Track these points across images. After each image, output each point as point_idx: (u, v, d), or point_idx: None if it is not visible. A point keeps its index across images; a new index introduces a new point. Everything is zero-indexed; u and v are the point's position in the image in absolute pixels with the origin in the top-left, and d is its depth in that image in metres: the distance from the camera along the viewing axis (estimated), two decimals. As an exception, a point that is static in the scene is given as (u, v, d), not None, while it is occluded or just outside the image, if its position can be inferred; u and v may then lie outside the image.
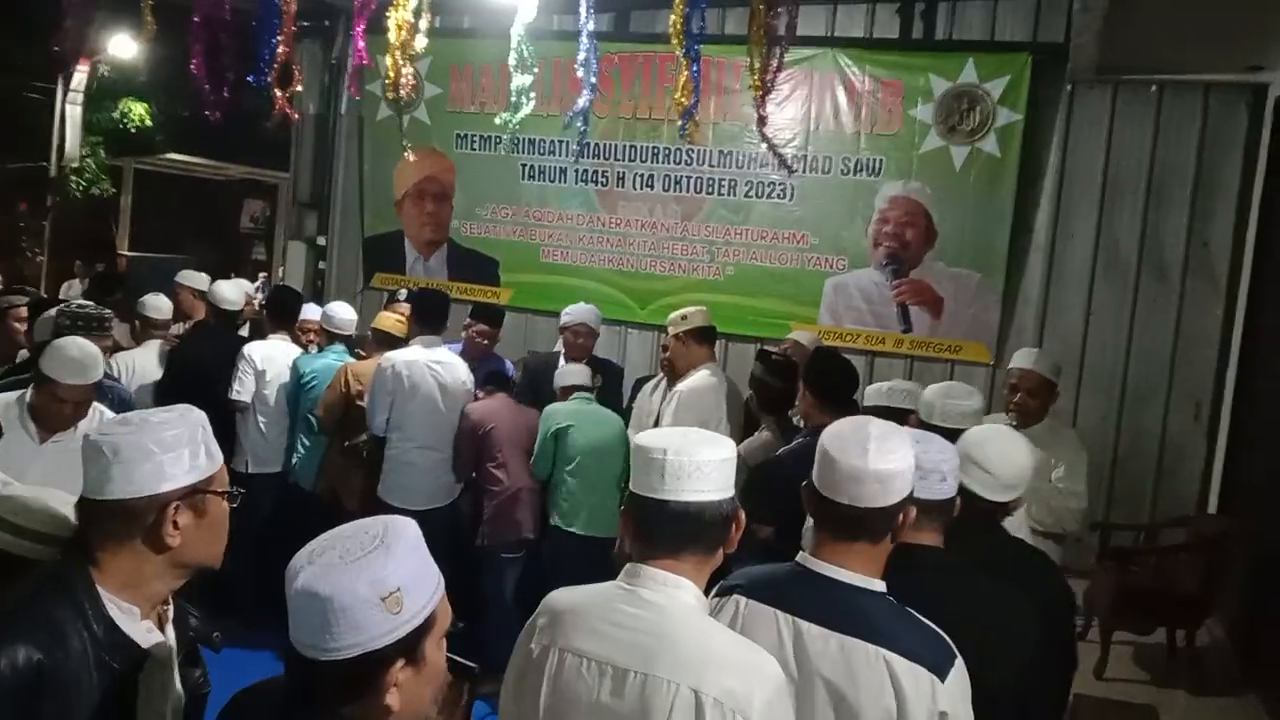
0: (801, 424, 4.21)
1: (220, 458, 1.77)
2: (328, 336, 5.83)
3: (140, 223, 12.69)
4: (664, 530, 1.84)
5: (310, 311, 6.06)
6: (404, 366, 5.03)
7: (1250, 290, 6.21)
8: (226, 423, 5.48)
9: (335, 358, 5.62)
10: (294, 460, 5.58)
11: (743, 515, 1.91)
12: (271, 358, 5.62)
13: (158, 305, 6.05)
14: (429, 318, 5.27)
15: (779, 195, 7.19)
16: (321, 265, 8.76)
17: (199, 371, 5.47)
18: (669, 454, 1.83)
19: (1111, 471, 6.54)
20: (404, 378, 5.01)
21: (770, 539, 3.70)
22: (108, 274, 9.81)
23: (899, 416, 3.75)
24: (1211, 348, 6.43)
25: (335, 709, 1.43)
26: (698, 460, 1.83)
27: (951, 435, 2.57)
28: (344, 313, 5.87)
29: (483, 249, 8.05)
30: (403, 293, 6.35)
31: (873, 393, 4.21)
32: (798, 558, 2.07)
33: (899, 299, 6.95)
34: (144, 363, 5.63)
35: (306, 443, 5.56)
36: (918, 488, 2.07)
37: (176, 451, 1.68)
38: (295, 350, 5.73)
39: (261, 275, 8.54)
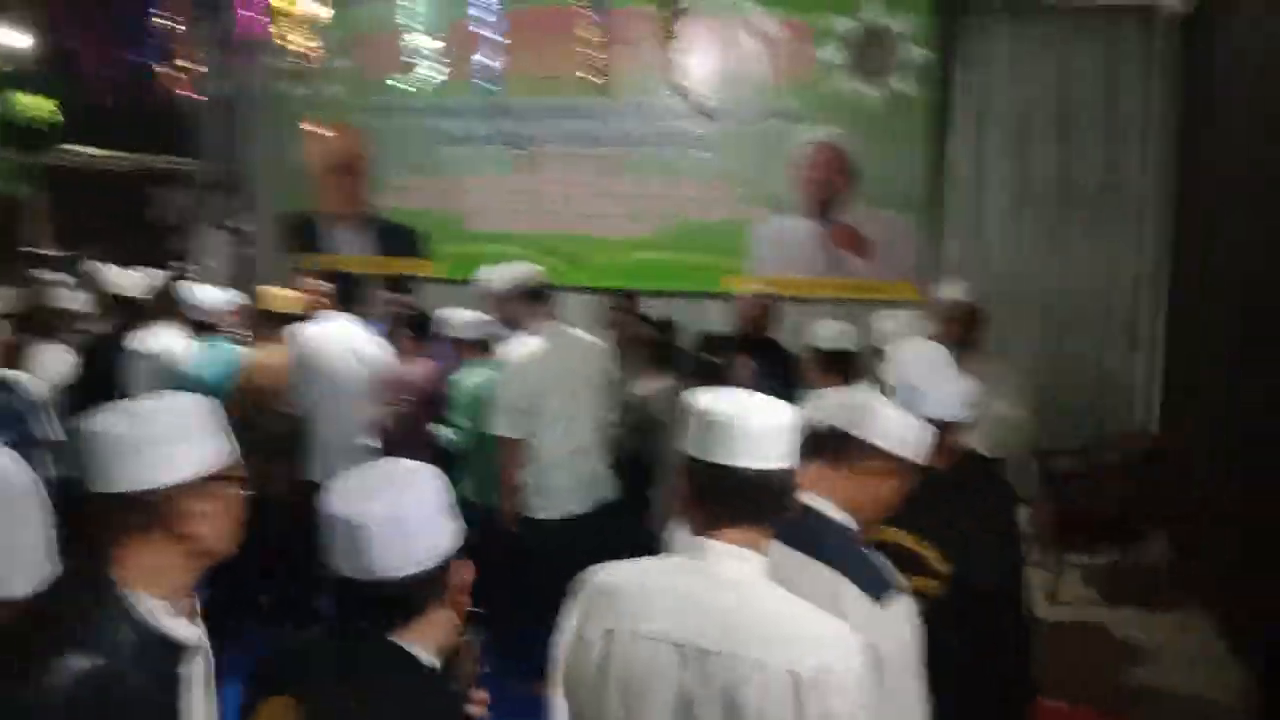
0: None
1: (232, 445, 1.71)
2: (196, 326, 5.18)
3: (51, 222, 12.20)
4: (726, 498, 1.74)
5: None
6: (310, 342, 4.90)
7: (1175, 213, 6.28)
8: None
9: (219, 351, 5.09)
10: None
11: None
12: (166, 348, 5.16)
13: (68, 296, 5.70)
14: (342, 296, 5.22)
15: (697, 146, 7.11)
16: (247, 251, 8.48)
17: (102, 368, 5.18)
18: (735, 419, 1.72)
19: (1048, 401, 6.59)
20: (315, 353, 4.88)
21: None
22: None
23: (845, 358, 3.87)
24: (1140, 271, 6.50)
25: (382, 630, 1.60)
26: (764, 425, 1.73)
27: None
28: (211, 297, 5.26)
29: (406, 221, 7.87)
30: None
31: (822, 335, 4.18)
32: None
33: (825, 244, 6.93)
34: (54, 362, 5.31)
35: None
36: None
37: (185, 440, 1.62)
38: (183, 339, 5.22)
39: (174, 264, 8.26)
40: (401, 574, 1.57)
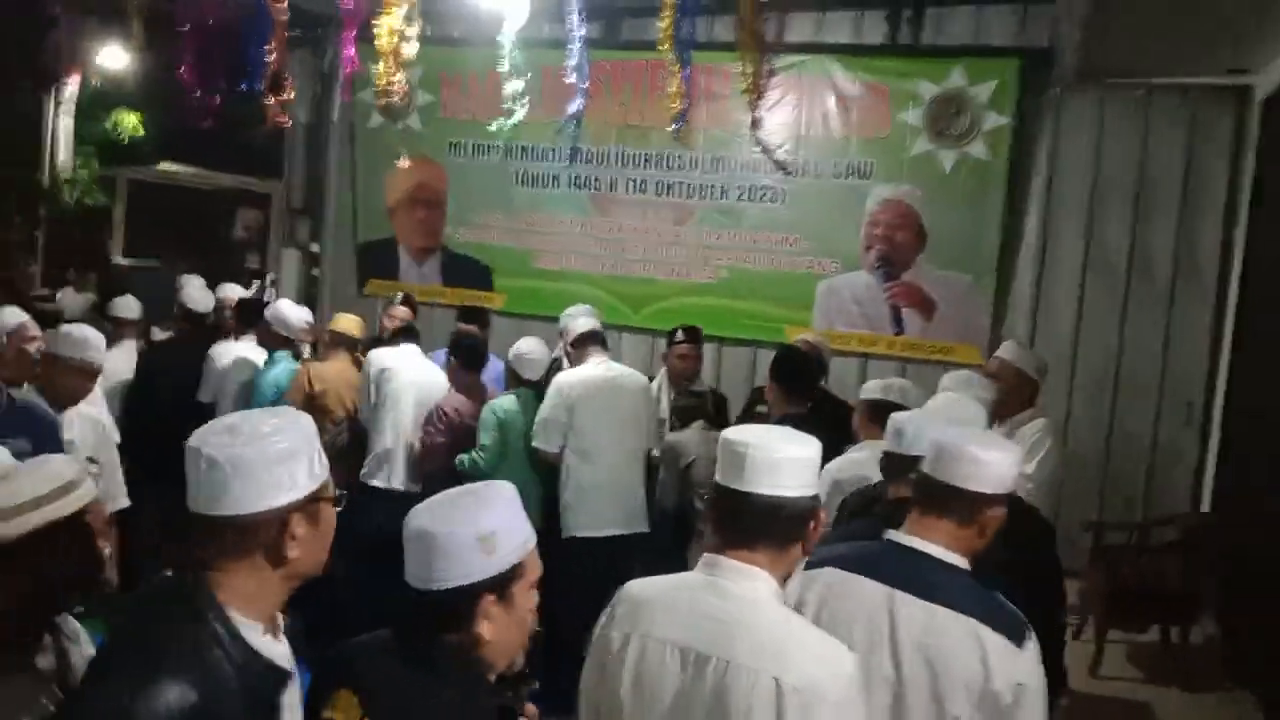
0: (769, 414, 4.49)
1: (326, 467, 1.70)
2: (276, 340, 5.66)
3: (134, 233, 12.69)
4: (742, 521, 1.91)
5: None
6: (391, 361, 5.21)
7: (1240, 291, 6.25)
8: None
9: (285, 365, 5.53)
10: None
11: (822, 514, 1.98)
12: (240, 360, 5.70)
13: (127, 305, 6.12)
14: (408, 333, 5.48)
15: (770, 199, 7.22)
16: (315, 272, 8.78)
17: (168, 374, 5.62)
18: (751, 448, 1.90)
19: (1103, 472, 6.58)
20: (389, 369, 5.17)
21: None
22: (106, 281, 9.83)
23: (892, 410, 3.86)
24: (1202, 348, 6.46)
25: (438, 634, 1.68)
26: (778, 456, 1.90)
27: None
28: (293, 314, 5.71)
29: (476, 255, 8.08)
30: (399, 295, 6.35)
31: (870, 387, 4.23)
32: (886, 534, 2.22)
33: (891, 301, 6.99)
34: (115, 364, 5.61)
35: None
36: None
37: (295, 461, 1.59)
38: (260, 352, 5.71)
39: (255, 282, 8.59)
40: (434, 588, 1.68)
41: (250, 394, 5.49)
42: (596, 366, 4.87)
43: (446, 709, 1.67)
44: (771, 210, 7.23)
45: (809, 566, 2.19)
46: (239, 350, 5.77)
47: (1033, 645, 2.08)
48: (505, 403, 4.96)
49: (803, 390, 4.28)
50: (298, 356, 5.72)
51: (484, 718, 1.74)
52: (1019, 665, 2.05)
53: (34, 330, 4.32)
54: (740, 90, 5.53)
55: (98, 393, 4.27)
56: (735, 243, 7.35)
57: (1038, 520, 3.04)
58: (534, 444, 4.77)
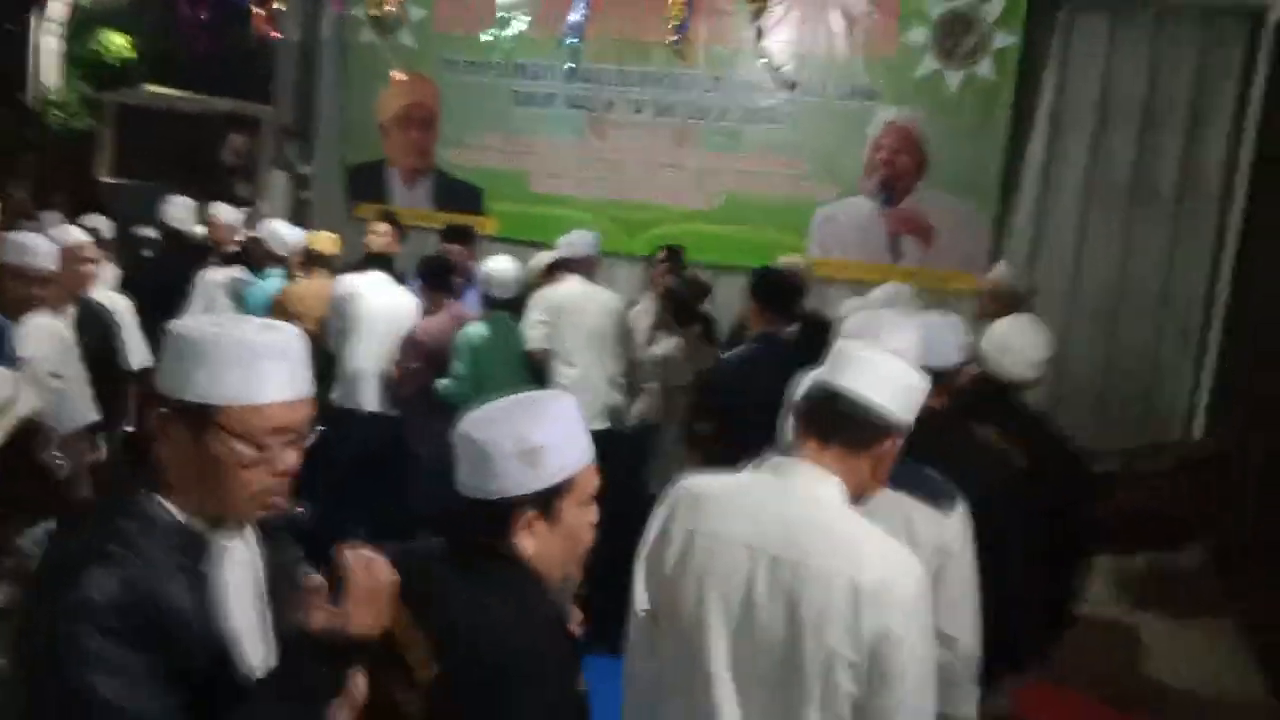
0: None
1: (300, 386, 1.56)
2: (268, 258, 5.71)
3: (122, 157, 12.52)
4: (824, 418, 1.93)
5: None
6: (362, 285, 5.29)
7: (1245, 215, 6.18)
8: None
9: (275, 282, 5.55)
10: None
11: (899, 439, 1.97)
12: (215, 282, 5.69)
13: (99, 222, 6.14)
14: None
15: (772, 120, 7.08)
16: (304, 195, 8.64)
17: (155, 295, 5.47)
18: (857, 349, 1.97)
19: (1101, 399, 6.55)
20: (358, 292, 5.25)
21: (708, 434, 4.28)
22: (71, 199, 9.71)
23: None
24: (1203, 272, 6.42)
25: (486, 544, 1.67)
26: (888, 366, 1.95)
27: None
28: (285, 231, 5.75)
29: (468, 177, 7.93)
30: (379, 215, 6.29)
31: (851, 306, 4.19)
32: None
33: (889, 229, 6.91)
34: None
35: None
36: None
37: (268, 363, 1.49)
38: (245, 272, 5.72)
39: (245, 209, 8.45)
40: (478, 496, 1.67)
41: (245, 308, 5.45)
42: (575, 284, 5.30)
43: (494, 620, 1.63)
44: (773, 132, 7.09)
45: None
46: (229, 274, 5.73)
47: (960, 510, 2.18)
48: (478, 328, 4.99)
49: (780, 309, 4.34)
50: (290, 277, 5.66)
51: (535, 631, 1.68)
52: (944, 532, 2.15)
53: (91, 251, 4.39)
54: (744, 3, 5.39)
55: (68, 309, 4.20)
56: (735, 165, 7.22)
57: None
58: (526, 347, 5.09)
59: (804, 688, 1.81)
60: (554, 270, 5.46)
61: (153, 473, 1.52)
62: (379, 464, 5.15)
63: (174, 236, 6.22)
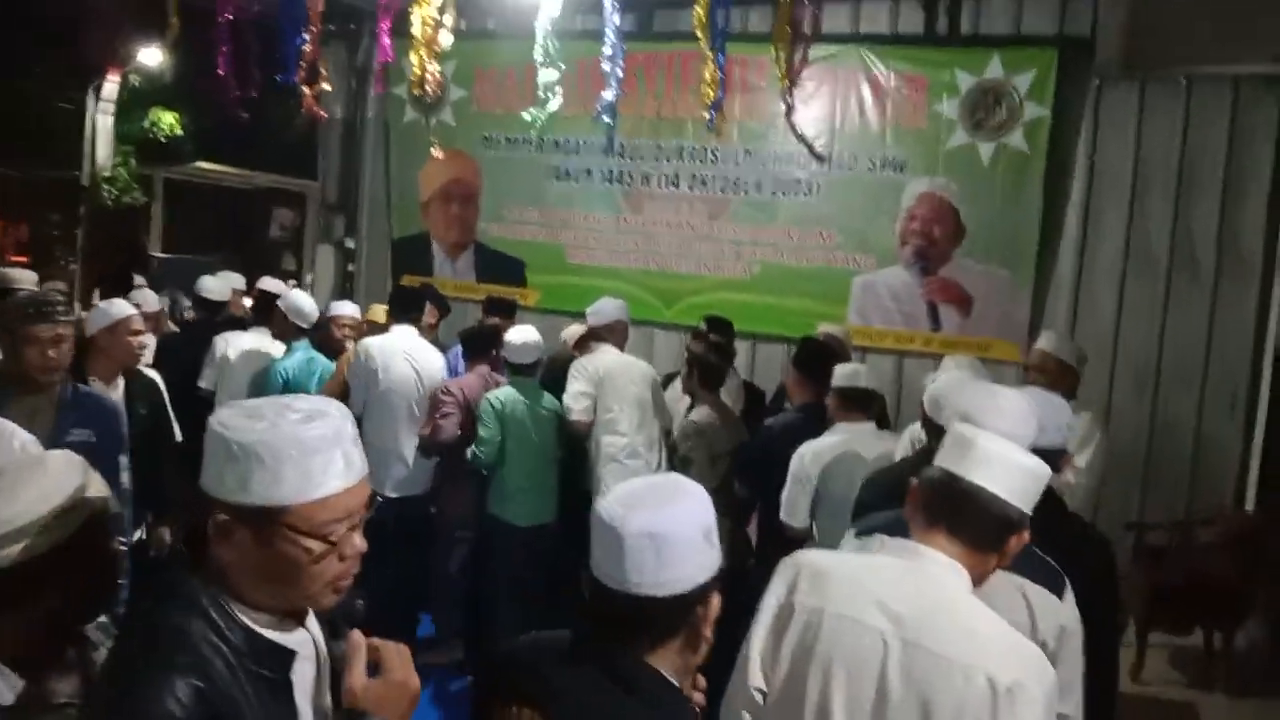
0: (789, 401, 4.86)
1: (357, 468, 1.50)
2: (294, 330, 5.67)
3: (171, 231, 12.85)
4: (952, 510, 1.90)
5: (344, 308, 6.07)
6: (377, 351, 5.25)
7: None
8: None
9: (303, 353, 5.54)
10: None
11: (1026, 534, 1.94)
12: (238, 347, 5.72)
13: (144, 297, 6.18)
14: (404, 307, 5.57)
15: (805, 193, 7.15)
16: (350, 268, 8.82)
17: (179, 363, 5.65)
18: (986, 440, 1.91)
19: (1145, 468, 6.45)
20: (376, 360, 5.21)
21: (746, 497, 4.46)
22: (120, 273, 9.94)
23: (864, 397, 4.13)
24: (1246, 340, 6.32)
25: (638, 645, 1.56)
26: (1017, 459, 1.91)
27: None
28: (306, 304, 5.74)
29: (509, 250, 8.08)
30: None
31: (840, 374, 4.21)
32: None
33: (927, 297, 6.90)
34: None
35: None
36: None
37: (324, 454, 1.44)
38: (272, 345, 5.74)
39: (291, 281, 8.65)
40: (657, 594, 1.54)
41: (263, 384, 5.49)
42: (609, 353, 5.33)
43: None
44: (806, 204, 7.15)
45: (861, 532, 2.29)
46: (248, 341, 5.79)
47: (1069, 595, 2.18)
48: (502, 393, 5.06)
49: (821, 379, 4.34)
50: (315, 347, 5.73)
51: None
52: (1060, 614, 2.15)
53: (139, 323, 4.38)
54: (775, 80, 5.47)
55: (117, 382, 4.25)
56: (769, 238, 7.28)
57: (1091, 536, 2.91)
58: (569, 417, 5.11)
59: None
60: (586, 341, 5.55)
61: (216, 573, 1.46)
62: (412, 542, 5.22)
63: (205, 306, 6.38)
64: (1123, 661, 5.15)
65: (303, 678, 1.53)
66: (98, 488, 1.75)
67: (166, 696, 1.35)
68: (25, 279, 5.00)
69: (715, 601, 1.60)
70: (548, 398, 5.20)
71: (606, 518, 1.56)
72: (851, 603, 1.87)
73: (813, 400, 4.45)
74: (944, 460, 1.94)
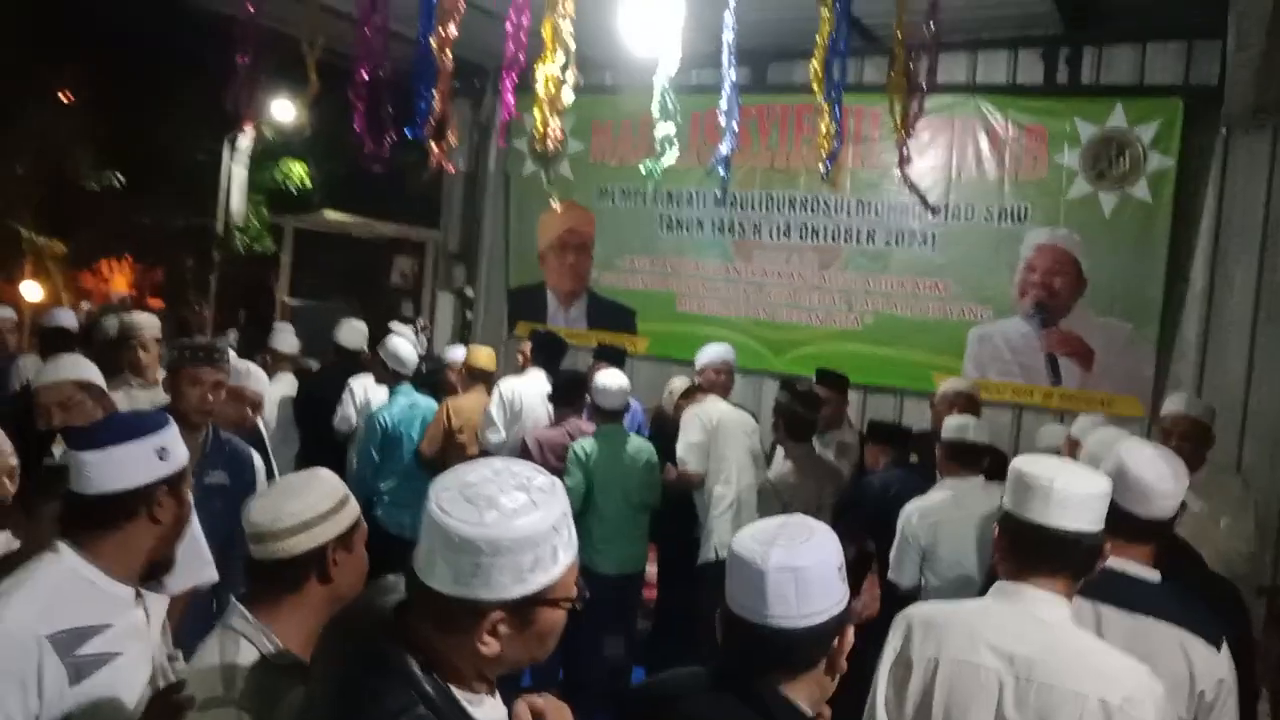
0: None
1: (568, 556, 1.48)
2: (393, 376, 5.93)
3: (299, 277, 13.40)
4: (1042, 552, 2.04)
5: (457, 353, 6.29)
6: (518, 393, 5.59)
7: None
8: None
9: (405, 399, 5.79)
10: (377, 504, 5.59)
11: (1108, 547, 2.12)
12: (376, 390, 6.06)
13: (284, 339, 6.63)
14: (545, 355, 5.92)
15: (920, 243, 7.11)
16: (468, 315, 9.06)
17: (319, 400, 6.09)
18: (1056, 484, 2.02)
19: (1278, 532, 6.17)
20: (519, 401, 5.54)
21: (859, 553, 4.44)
22: (254, 323, 10.41)
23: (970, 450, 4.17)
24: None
25: (779, 679, 1.65)
26: (1082, 492, 2.03)
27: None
28: (405, 350, 5.94)
29: (620, 299, 8.21)
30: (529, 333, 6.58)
31: (950, 426, 4.25)
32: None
33: (1047, 350, 6.76)
34: (274, 392, 5.98)
35: (392, 485, 5.67)
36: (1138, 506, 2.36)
37: (517, 556, 1.41)
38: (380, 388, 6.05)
39: (411, 324, 8.98)
40: (796, 625, 1.63)
41: (364, 434, 5.81)
42: (715, 403, 5.45)
43: None
44: (921, 254, 7.11)
45: None
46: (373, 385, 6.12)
47: (1226, 649, 2.27)
48: (587, 442, 5.14)
49: (896, 443, 4.92)
50: (430, 389, 6.03)
51: None
52: (1218, 667, 2.24)
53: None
54: (889, 130, 5.48)
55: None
56: (882, 288, 7.25)
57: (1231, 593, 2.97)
58: (685, 468, 5.20)
59: None
60: (693, 393, 5.62)
61: (424, 647, 1.47)
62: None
63: (340, 353, 6.66)
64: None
65: None
66: (354, 501, 2.04)
67: None
68: (149, 324, 5.25)
69: (850, 634, 1.70)
70: (636, 443, 5.24)
71: (747, 556, 1.65)
72: (965, 648, 2.01)
73: (897, 456, 4.82)
74: (1022, 509, 2.05)
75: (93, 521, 2.04)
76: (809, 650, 1.66)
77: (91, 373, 3.32)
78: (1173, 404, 4.44)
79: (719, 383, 5.80)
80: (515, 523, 1.39)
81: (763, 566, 1.63)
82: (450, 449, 5.60)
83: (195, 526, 3.77)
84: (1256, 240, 6.32)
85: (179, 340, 4.12)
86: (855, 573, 4.60)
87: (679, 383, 5.89)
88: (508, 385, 5.69)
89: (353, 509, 2.03)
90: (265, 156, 14.65)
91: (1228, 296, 6.42)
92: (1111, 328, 6.57)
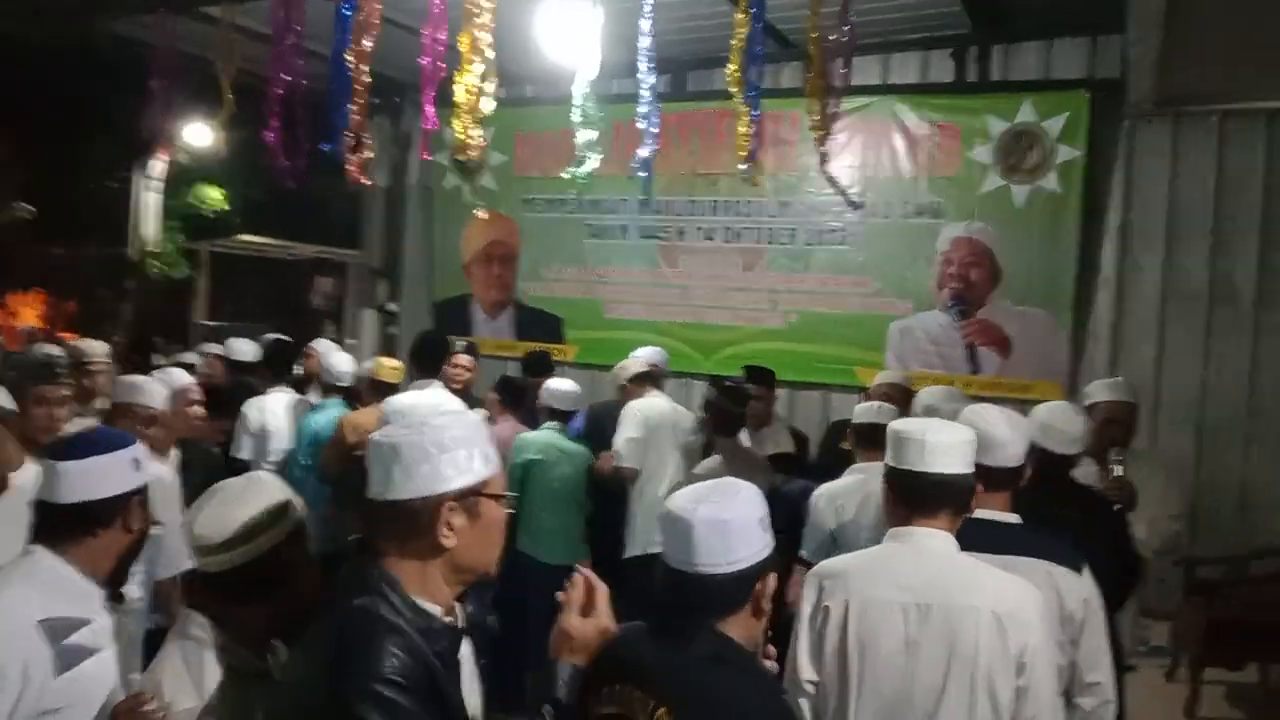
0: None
1: (495, 462, 1.75)
2: (324, 389, 5.85)
3: (216, 303, 13.15)
4: (924, 495, 2.32)
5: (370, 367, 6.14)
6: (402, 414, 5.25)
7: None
8: None
9: (336, 411, 5.57)
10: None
11: (979, 487, 2.40)
12: (273, 411, 5.75)
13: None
14: (424, 361, 5.68)
15: (839, 242, 7.26)
16: (392, 330, 8.99)
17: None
18: (929, 435, 2.32)
19: (1191, 507, 6.38)
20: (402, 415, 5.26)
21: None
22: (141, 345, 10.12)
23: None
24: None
25: (714, 621, 1.80)
26: (953, 439, 2.33)
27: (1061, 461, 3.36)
28: (341, 363, 5.80)
29: (548, 307, 8.22)
30: (460, 344, 6.44)
31: (860, 411, 4.30)
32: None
33: (966, 340, 6.94)
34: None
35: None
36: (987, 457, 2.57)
37: (453, 453, 1.66)
38: (293, 400, 5.86)
39: (349, 341, 8.92)
40: (721, 571, 1.79)
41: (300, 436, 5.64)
42: (653, 399, 5.45)
43: (751, 703, 1.80)
44: (841, 253, 7.25)
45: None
46: (271, 400, 5.82)
47: (1088, 571, 2.58)
48: (531, 434, 5.30)
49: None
50: (353, 405, 5.83)
51: (778, 702, 1.92)
52: (1082, 589, 2.55)
53: (197, 393, 4.43)
54: (807, 129, 5.58)
55: (171, 452, 4.24)
56: (804, 286, 7.39)
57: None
58: (620, 464, 5.25)
59: (972, 711, 2.19)
60: (642, 381, 5.60)
61: (389, 571, 1.67)
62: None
63: (235, 367, 6.53)
64: (1178, 698, 5.15)
65: (465, 658, 1.79)
66: (297, 502, 2.05)
67: (387, 657, 1.56)
68: (98, 350, 5.16)
69: (772, 579, 1.85)
70: (576, 445, 5.35)
71: (678, 512, 1.83)
72: (869, 586, 2.28)
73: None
74: (902, 461, 2.34)
75: (68, 529, 2.13)
76: (734, 592, 1.81)
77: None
78: (1103, 390, 4.49)
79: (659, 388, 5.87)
80: (450, 428, 1.69)
81: (691, 520, 1.80)
82: (353, 466, 5.40)
83: (178, 518, 3.76)
84: (1161, 226, 6.57)
85: (13, 357, 3.94)
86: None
87: (634, 365, 5.78)
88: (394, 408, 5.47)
89: (296, 513, 2.03)
90: (180, 181, 14.33)
91: (1138, 283, 6.65)
92: (1028, 316, 6.77)
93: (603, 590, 1.81)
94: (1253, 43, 5.05)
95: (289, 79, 5.63)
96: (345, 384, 5.78)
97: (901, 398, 5.06)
